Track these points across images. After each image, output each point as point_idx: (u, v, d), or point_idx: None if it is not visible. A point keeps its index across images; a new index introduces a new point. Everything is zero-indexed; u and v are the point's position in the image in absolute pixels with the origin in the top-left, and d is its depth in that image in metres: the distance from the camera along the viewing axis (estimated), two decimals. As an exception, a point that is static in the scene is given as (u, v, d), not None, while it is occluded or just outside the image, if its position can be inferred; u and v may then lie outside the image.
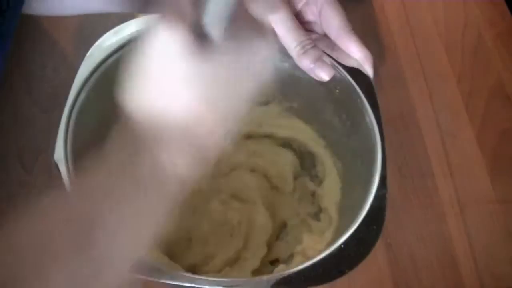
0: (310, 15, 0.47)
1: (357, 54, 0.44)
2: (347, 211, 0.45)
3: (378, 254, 0.52)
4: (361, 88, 0.44)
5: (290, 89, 0.50)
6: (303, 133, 0.51)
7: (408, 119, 0.59)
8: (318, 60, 0.43)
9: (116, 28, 0.44)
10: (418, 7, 0.66)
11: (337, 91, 0.46)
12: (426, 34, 0.65)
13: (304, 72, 0.45)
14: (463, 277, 0.50)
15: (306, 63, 0.43)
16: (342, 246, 0.37)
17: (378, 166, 0.41)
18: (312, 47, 0.43)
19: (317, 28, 0.47)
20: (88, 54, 0.43)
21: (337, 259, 0.36)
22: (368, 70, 0.44)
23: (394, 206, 0.54)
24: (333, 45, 0.45)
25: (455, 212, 0.54)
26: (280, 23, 0.43)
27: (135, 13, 0.56)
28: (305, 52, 0.43)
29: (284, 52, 0.45)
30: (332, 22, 0.45)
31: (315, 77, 0.44)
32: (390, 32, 0.65)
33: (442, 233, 0.53)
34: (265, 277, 0.36)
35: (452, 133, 0.58)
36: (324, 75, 0.43)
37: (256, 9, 0.43)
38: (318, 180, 0.51)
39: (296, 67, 0.45)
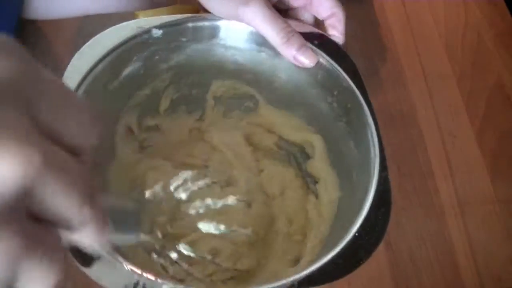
0: (293, 2, 0.46)
1: (341, 40, 0.46)
2: (347, 195, 0.44)
3: (378, 254, 0.52)
4: (346, 72, 0.44)
5: (268, 78, 0.49)
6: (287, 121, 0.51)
7: (408, 119, 0.59)
8: (302, 47, 0.43)
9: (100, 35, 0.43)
10: (418, 7, 0.67)
11: (319, 76, 0.45)
12: (426, 34, 0.65)
13: (282, 60, 0.44)
14: (463, 277, 0.50)
15: (290, 52, 0.43)
16: (357, 234, 0.36)
17: (375, 147, 0.40)
18: (294, 35, 0.43)
19: (300, 14, 0.47)
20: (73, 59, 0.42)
21: (354, 248, 0.36)
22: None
23: (394, 206, 0.54)
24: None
25: (455, 212, 0.54)
26: (255, 15, 0.42)
27: (135, 13, 0.56)
28: (288, 40, 0.42)
29: (259, 42, 0.45)
30: (323, 4, 0.45)
31: (299, 64, 0.43)
32: (390, 32, 0.65)
33: (442, 233, 0.53)
34: (290, 279, 0.36)
35: (452, 133, 0.58)
36: (308, 62, 0.43)
37: (227, 7, 0.43)
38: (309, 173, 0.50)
39: (273, 55, 0.45)
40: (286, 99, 0.50)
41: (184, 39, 0.45)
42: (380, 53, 0.63)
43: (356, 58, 0.62)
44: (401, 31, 0.65)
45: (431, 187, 0.55)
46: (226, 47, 0.47)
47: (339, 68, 0.44)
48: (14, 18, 0.48)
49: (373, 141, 0.40)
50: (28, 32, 0.59)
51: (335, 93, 0.45)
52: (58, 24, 0.60)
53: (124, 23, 0.43)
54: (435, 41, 0.64)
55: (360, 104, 0.42)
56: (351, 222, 0.37)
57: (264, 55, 0.46)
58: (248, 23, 0.43)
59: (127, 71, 0.44)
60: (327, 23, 0.46)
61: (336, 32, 0.46)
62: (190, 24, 0.45)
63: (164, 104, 0.49)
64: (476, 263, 0.51)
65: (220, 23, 0.45)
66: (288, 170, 0.51)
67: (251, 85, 0.50)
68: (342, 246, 0.36)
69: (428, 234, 0.53)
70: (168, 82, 0.48)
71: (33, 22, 0.58)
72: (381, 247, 0.52)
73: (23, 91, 0.18)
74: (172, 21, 0.44)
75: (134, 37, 0.42)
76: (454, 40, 0.64)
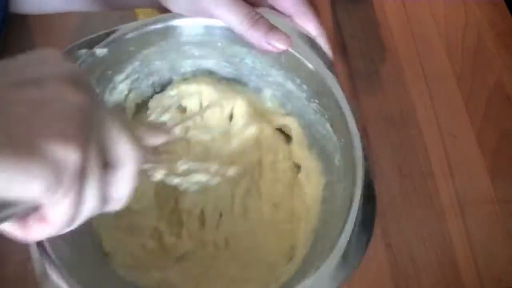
0: None
1: (314, 32, 0.42)
2: (331, 181, 0.43)
3: (378, 254, 0.52)
4: (313, 52, 0.42)
5: (232, 65, 0.48)
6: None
7: (408, 119, 0.59)
8: (271, 29, 0.39)
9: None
10: (418, 7, 0.67)
11: (282, 59, 0.43)
12: (426, 34, 0.65)
13: (242, 47, 0.43)
14: (463, 277, 0.50)
15: (258, 36, 0.39)
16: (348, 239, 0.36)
17: (353, 133, 0.38)
18: (260, 17, 0.39)
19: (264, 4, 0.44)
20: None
21: (345, 254, 0.36)
22: (323, 44, 0.42)
23: (394, 206, 0.54)
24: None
25: (455, 212, 0.54)
26: (215, 4, 0.39)
27: (136, 10, 0.56)
28: (254, 24, 0.39)
29: (213, 33, 0.43)
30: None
31: (271, 49, 0.39)
32: (390, 32, 0.65)
33: (442, 233, 0.53)
34: None
35: (452, 133, 0.58)
36: (281, 44, 0.39)
37: (185, 2, 0.40)
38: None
39: (231, 43, 0.44)
40: (254, 83, 0.49)
41: (132, 48, 0.44)
42: (380, 53, 0.63)
43: (356, 58, 0.63)
44: (401, 31, 0.65)
45: (431, 187, 0.55)
46: (179, 43, 0.46)
47: (306, 50, 0.42)
48: (0, 12, 0.47)
49: (348, 126, 0.39)
50: (28, 29, 0.59)
51: (303, 75, 0.43)
52: (59, 22, 0.59)
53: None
54: (435, 41, 0.64)
55: (329, 89, 0.40)
56: (340, 223, 0.36)
57: (220, 45, 0.45)
58: (209, 15, 0.41)
59: None
60: (301, 25, 0.42)
61: (312, 31, 0.42)
62: (134, 33, 0.43)
63: (130, 111, 0.49)
64: (476, 263, 0.51)
65: (168, 23, 0.44)
66: (280, 137, 0.49)
67: (213, 76, 0.49)
68: (333, 257, 0.35)
69: (428, 234, 0.53)
70: (128, 91, 0.47)
71: (31, 18, 0.58)
72: (381, 247, 0.52)
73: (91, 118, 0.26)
74: (116, 36, 0.43)
75: (79, 65, 0.41)
76: (454, 40, 0.64)
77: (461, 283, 0.50)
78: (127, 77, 0.46)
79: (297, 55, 0.42)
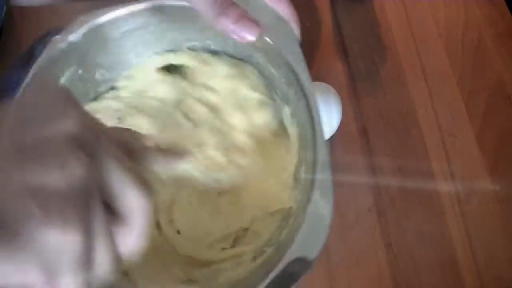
0: None
1: (290, 17, 0.40)
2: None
3: (378, 254, 0.52)
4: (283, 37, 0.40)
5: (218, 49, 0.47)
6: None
7: (408, 119, 0.59)
8: (240, 18, 0.37)
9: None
10: (418, 7, 0.67)
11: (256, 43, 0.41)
12: (426, 34, 0.65)
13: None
14: (463, 277, 0.50)
15: (226, 24, 0.37)
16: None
17: (314, 123, 0.36)
18: (230, 5, 0.37)
19: None
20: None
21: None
22: (295, 28, 0.41)
23: (394, 206, 0.54)
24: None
25: (455, 212, 0.54)
26: None
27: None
28: (222, 12, 0.37)
29: (190, 16, 0.42)
30: None
31: (240, 40, 0.37)
32: (390, 32, 0.65)
33: (442, 233, 0.53)
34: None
35: (452, 133, 0.58)
36: (249, 35, 0.37)
37: None
38: None
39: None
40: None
41: (109, 31, 0.43)
42: (380, 53, 0.63)
43: (356, 58, 0.63)
44: (401, 31, 0.65)
45: (431, 187, 0.55)
46: (155, 25, 0.45)
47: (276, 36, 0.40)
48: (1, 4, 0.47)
49: (311, 115, 0.37)
50: (29, 24, 0.59)
51: (276, 59, 0.42)
52: (60, 17, 0.59)
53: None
54: (435, 41, 0.64)
55: (293, 72, 0.39)
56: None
57: (202, 25, 0.43)
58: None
59: (62, 80, 0.42)
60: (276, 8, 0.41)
61: (288, 16, 0.40)
62: (110, 17, 0.42)
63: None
64: (477, 263, 0.51)
65: (139, 6, 0.43)
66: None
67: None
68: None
69: (428, 234, 0.53)
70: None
71: (24, 11, 0.58)
72: (381, 247, 0.52)
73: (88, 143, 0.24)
74: (90, 23, 0.42)
75: (49, 52, 0.40)
76: (454, 40, 0.64)
77: (461, 283, 0.50)
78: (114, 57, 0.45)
79: (268, 40, 0.40)
